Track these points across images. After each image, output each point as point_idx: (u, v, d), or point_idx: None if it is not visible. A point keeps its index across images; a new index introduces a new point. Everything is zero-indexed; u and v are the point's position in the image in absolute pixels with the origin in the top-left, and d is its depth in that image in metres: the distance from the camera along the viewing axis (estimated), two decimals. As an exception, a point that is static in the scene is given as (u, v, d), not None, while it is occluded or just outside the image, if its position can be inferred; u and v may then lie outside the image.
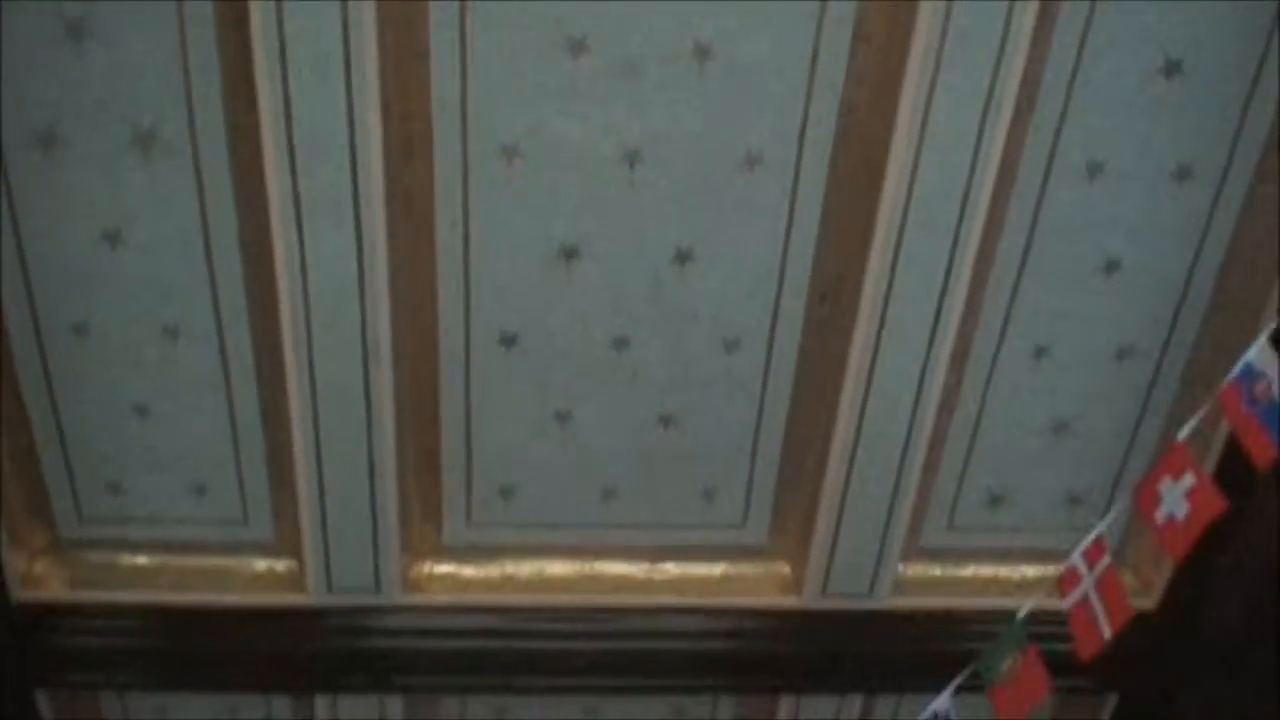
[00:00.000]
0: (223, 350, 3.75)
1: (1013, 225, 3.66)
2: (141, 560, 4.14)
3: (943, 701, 3.00)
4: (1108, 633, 2.69)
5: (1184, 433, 2.69)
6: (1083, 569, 2.75)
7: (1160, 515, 2.57)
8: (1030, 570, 4.26)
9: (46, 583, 4.11)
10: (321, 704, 4.36)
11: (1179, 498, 2.55)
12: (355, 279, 3.52)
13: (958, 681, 3.00)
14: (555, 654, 4.21)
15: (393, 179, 3.41)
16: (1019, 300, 3.83)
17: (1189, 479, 2.55)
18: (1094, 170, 3.57)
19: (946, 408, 4.00)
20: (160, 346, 3.72)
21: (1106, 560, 2.69)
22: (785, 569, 4.27)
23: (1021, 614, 2.84)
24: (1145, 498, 2.59)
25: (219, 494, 4.03)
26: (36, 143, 3.35)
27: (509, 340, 3.75)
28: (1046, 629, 4.17)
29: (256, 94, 3.21)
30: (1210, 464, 3.86)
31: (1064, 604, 2.78)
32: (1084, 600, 2.74)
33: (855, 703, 4.47)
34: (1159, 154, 3.57)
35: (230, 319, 3.69)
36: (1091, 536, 2.76)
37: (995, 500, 4.22)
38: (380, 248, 3.47)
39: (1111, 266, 3.74)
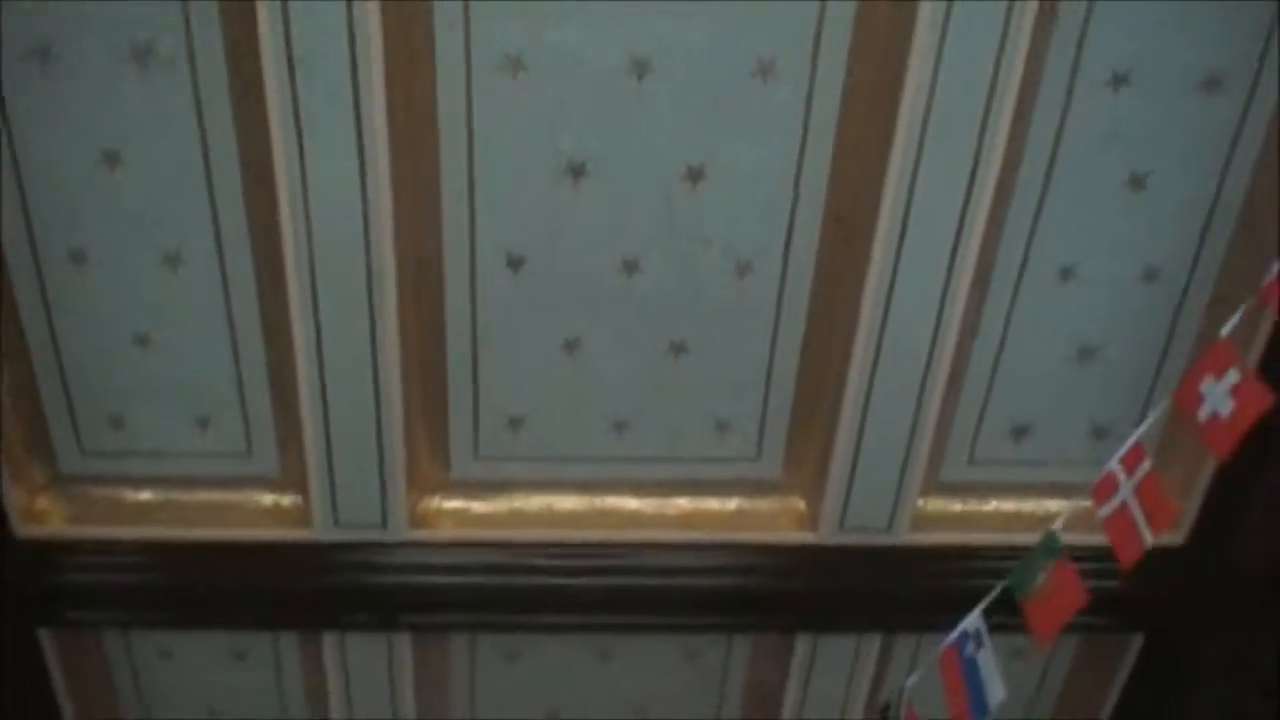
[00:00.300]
0: (224, 276, 3.66)
1: (1036, 140, 3.54)
2: (144, 495, 4.06)
3: (973, 620, 2.89)
4: (1149, 538, 2.58)
5: (1227, 329, 2.57)
6: (1120, 475, 2.64)
7: (1204, 413, 2.45)
8: (1054, 505, 4.12)
9: (48, 519, 4.03)
10: (329, 642, 4.27)
11: (1223, 395, 2.43)
12: (358, 200, 3.43)
13: (988, 601, 2.89)
14: (564, 590, 4.11)
15: (394, 95, 3.31)
16: (1043, 219, 3.70)
17: (1233, 375, 2.42)
18: (1119, 81, 3.45)
19: (967, 334, 3.88)
20: (160, 273, 3.64)
21: (1147, 464, 2.58)
22: (800, 504, 4.17)
23: (1057, 524, 2.73)
24: (1187, 397, 2.47)
25: (222, 427, 3.95)
26: (33, 57, 3.27)
27: (516, 263, 3.66)
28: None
29: (255, 5, 3.13)
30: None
31: (1100, 512, 2.66)
32: (1122, 507, 2.62)
33: (874, 642, 4.36)
34: (1187, 64, 3.44)
35: (231, 244, 3.60)
36: (1130, 441, 2.65)
37: (1018, 432, 4.10)
38: (383, 166, 3.38)
39: (1137, 183, 3.61)
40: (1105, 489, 2.63)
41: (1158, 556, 4.22)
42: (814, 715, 4.50)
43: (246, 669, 4.46)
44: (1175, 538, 4.21)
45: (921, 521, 4.17)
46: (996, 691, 2.79)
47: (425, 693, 4.49)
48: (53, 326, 3.76)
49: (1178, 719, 4.35)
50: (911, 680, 3.08)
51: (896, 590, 4.17)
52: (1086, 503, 2.70)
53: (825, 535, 4.12)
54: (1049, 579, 2.69)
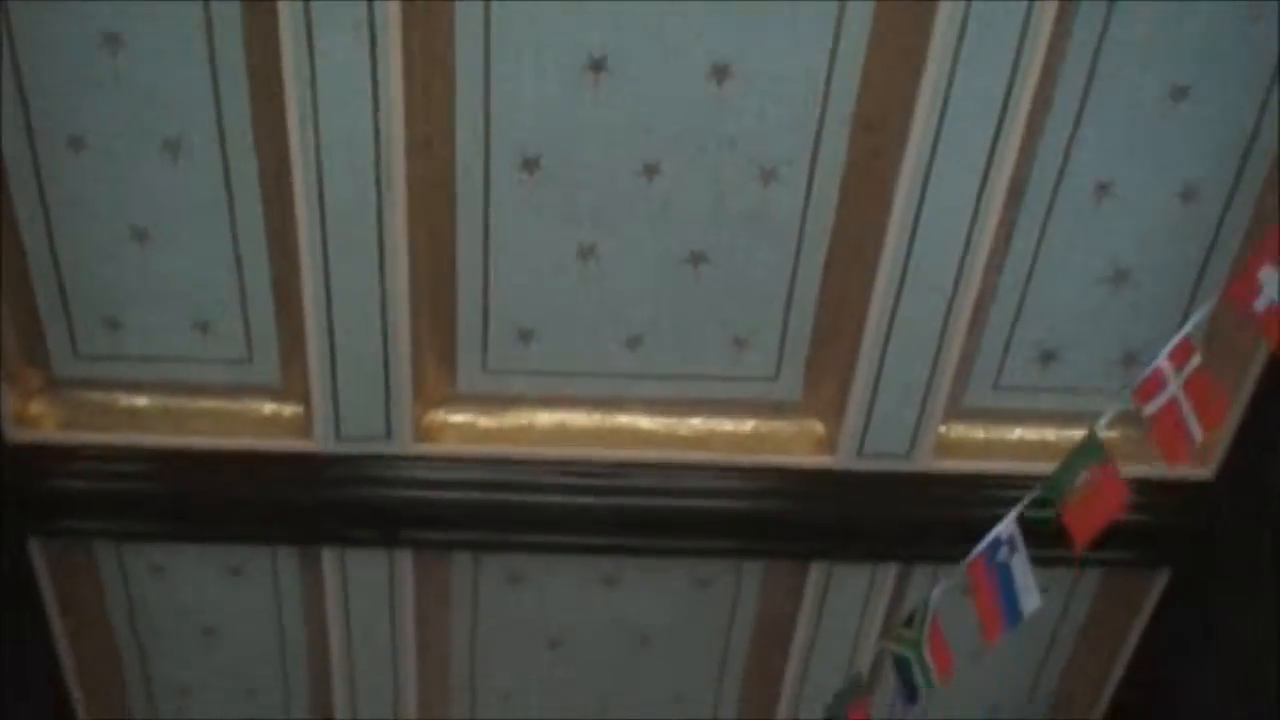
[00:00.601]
0: (226, 169, 3.51)
1: (1076, 46, 3.38)
2: (141, 401, 3.93)
3: (1006, 526, 2.76)
4: (1199, 434, 2.44)
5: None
6: (1168, 371, 2.50)
7: (1260, 303, 2.31)
8: (1080, 435, 3.99)
9: (41, 424, 3.90)
10: (328, 558, 4.14)
11: (1284, 281, 2.28)
12: (368, 90, 3.28)
13: (1022, 506, 2.76)
14: (571, 510, 3.99)
15: (408, -16, 3.17)
16: (1081, 132, 3.55)
17: (1295, 260, 2.28)
18: (1158, -8, 3.31)
19: (998, 253, 3.74)
20: (160, 163, 3.49)
21: (1196, 359, 2.44)
22: (819, 427, 4.04)
23: (1101, 422, 2.60)
24: (1241, 288, 2.33)
25: (223, 331, 3.81)
26: (28, -64, 3.14)
27: (531, 164, 3.51)
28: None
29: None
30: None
31: (1146, 409, 2.53)
32: (1170, 403, 2.49)
33: (890, 572, 4.23)
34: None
35: (234, 133, 3.45)
36: (1179, 337, 2.51)
37: (1046, 357, 3.96)
38: (395, 58, 3.23)
39: (1179, 93, 3.46)
40: (1152, 385, 2.49)
41: (1186, 491, 4.16)
42: (826, 648, 4.38)
43: (242, 587, 4.33)
44: (1204, 472, 4.09)
45: (943, 448, 4.05)
46: (1031, 599, 2.67)
47: (426, 614, 4.37)
48: (49, 220, 3.61)
49: (1201, 657, 4.24)
50: (937, 590, 2.96)
51: (915, 518, 4.04)
52: (1128, 404, 2.57)
53: (843, 460, 3.99)
54: (1089, 481, 2.56)
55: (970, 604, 2.95)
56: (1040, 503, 2.67)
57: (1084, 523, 2.54)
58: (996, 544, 2.75)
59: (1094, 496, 2.53)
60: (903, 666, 2.94)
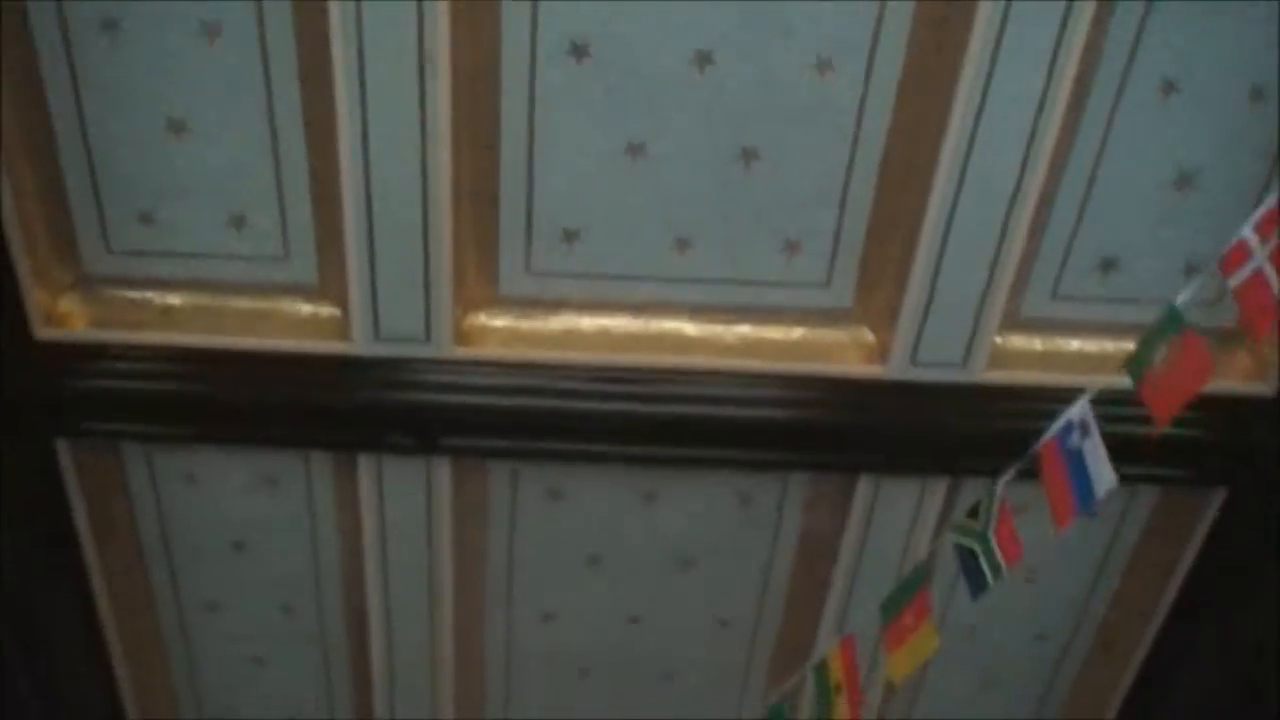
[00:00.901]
0: (264, 52, 3.39)
1: (1147, -64, 3.27)
2: (174, 300, 3.82)
3: (1079, 409, 2.65)
4: (1288, 307, 2.34)
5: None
6: (1253, 241, 2.39)
7: None
8: (1140, 347, 3.88)
9: (71, 321, 3.80)
10: (364, 465, 4.05)
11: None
12: (412, -23, 3.18)
13: (1096, 389, 2.64)
14: (614, 417, 3.87)
15: None
16: (1148, 28, 3.41)
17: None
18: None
19: (1060, 154, 3.60)
20: (197, 46, 3.37)
21: (1285, 229, 2.34)
22: (870, 336, 3.91)
23: (1180, 297, 2.48)
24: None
25: (259, 226, 3.70)
26: None
27: (579, 50, 3.37)
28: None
29: None
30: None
31: (1231, 280, 2.42)
32: (1255, 274, 2.38)
33: (940, 486, 4.11)
34: None
35: (272, 14, 3.32)
36: (1263, 208, 2.40)
37: (1107, 265, 3.83)
38: (440, -67, 3.12)
39: (1253, -13, 3.33)
40: (1237, 256, 2.38)
41: (1245, 407, 4.04)
42: (871, 565, 4.26)
43: (275, 496, 4.23)
44: (1265, 388, 3.96)
45: (998, 359, 3.92)
46: (1105, 478, 2.57)
47: (463, 529, 4.27)
48: (81, 108, 3.50)
49: (1258, 579, 4.12)
50: (1005, 478, 2.84)
51: (968, 431, 3.91)
52: (1212, 275, 2.45)
53: (895, 370, 3.87)
54: (1171, 353, 2.44)
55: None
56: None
57: (1166, 397, 2.43)
58: (1068, 428, 2.63)
59: (1176, 368, 2.42)
60: (968, 559, 2.83)
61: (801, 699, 3.36)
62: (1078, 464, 2.61)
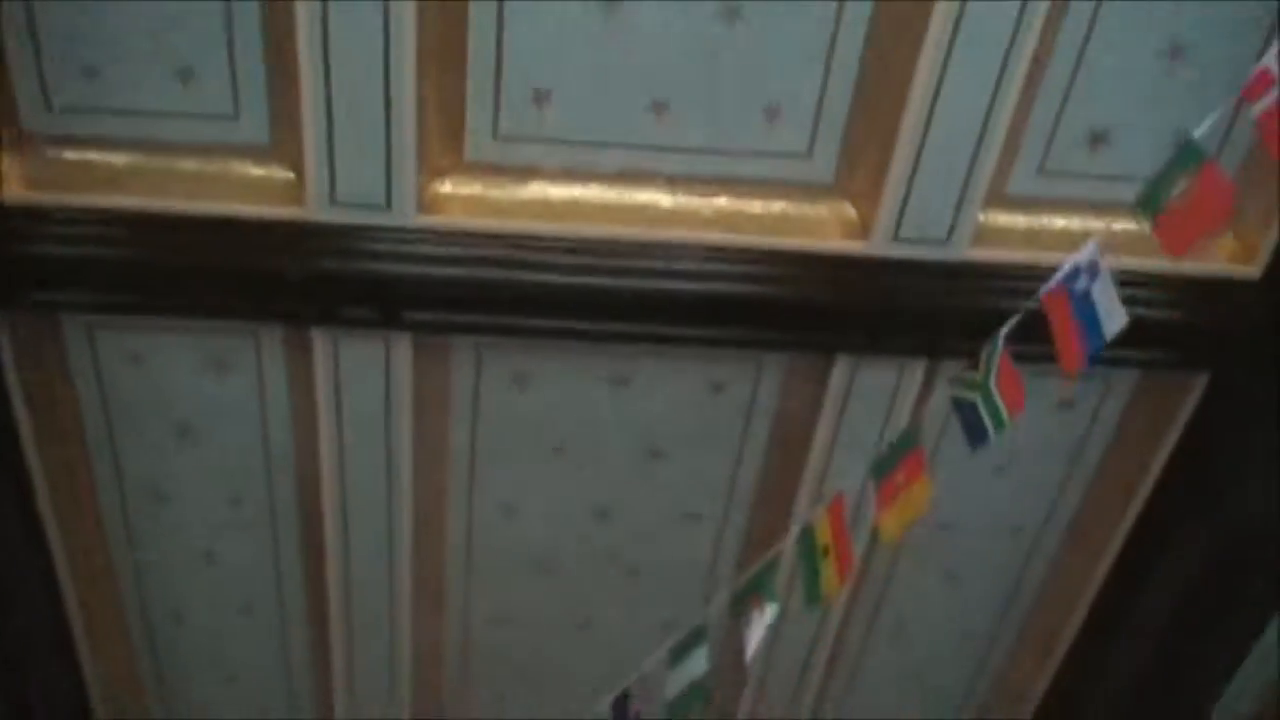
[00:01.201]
0: (215, -117, 3.19)
1: None
2: (118, 160, 3.58)
3: (1089, 252, 2.52)
4: (1309, 135, 2.23)
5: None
6: (1275, 69, 2.28)
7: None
8: (1128, 226, 3.77)
9: (8, 182, 3.55)
10: (320, 341, 3.85)
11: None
12: None
13: (1102, 234, 2.52)
14: (585, 291, 3.69)
15: None
16: (1144, -114, 3.30)
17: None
18: None
19: (1053, 23, 3.45)
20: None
21: (1307, 57, 2.23)
22: (852, 210, 3.76)
23: (1199, 130, 2.35)
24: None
25: (208, 81, 3.47)
26: None
27: (555, -111, 3.20)
28: (1139, 291, 3.80)
29: None
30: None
31: (1254, 109, 2.30)
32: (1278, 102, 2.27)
33: (919, 368, 3.98)
34: None
35: None
36: (1281, 44, 2.29)
37: (1096, 139, 3.70)
38: None
39: None
40: (1259, 85, 2.26)
41: (1230, 290, 3.94)
42: (846, 452, 4.14)
43: (224, 378, 4.02)
44: (1251, 270, 3.86)
45: (983, 236, 3.79)
46: (1117, 316, 2.45)
47: (423, 414, 4.10)
48: (16, -52, 3.28)
49: (1238, 467, 4.04)
50: (1008, 326, 2.71)
51: (950, 310, 3.78)
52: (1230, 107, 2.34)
53: (877, 245, 3.73)
54: (1190, 186, 2.32)
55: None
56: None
57: (1183, 233, 2.31)
58: (1075, 272, 2.51)
59: (1195, 202, 2.30)
60: (967, 410, 2.71)
61: (778, 575, 3.23)
62: (1085, 307, 2.49)
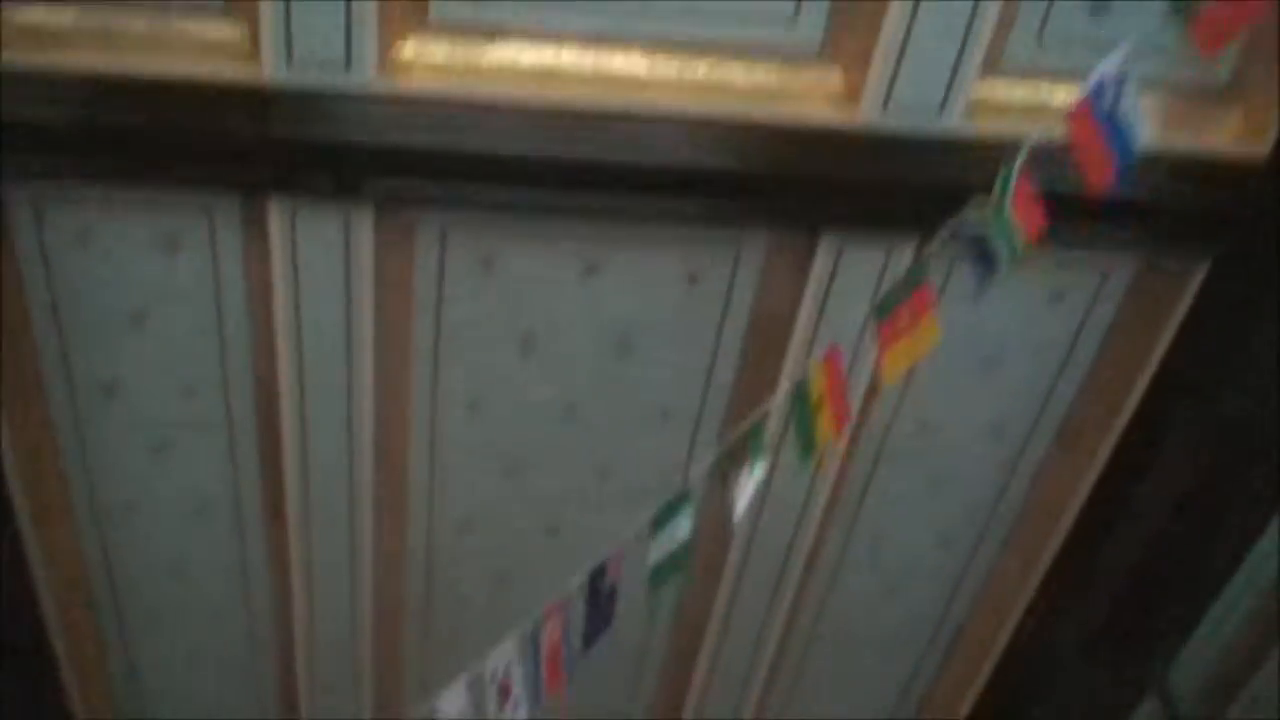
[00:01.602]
0: None
1: None
2: (63, 19, 3.33)
3: (1113, 65, 2.33)
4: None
5: None
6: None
7: None
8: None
9: (-58, 38, 3.35)
10: (276, 213, 3.63)
11: None
12: None
13: (1129, 46, 2.34)
14: (557, 163, 3.50)
15: None
16: None
17: None
18: None
19: None
20: None
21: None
22: (839, 79, 3.57)
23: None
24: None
25: (155, -73, 3.27)
26: None
27: None
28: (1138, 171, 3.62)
29: None
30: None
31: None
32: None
33: (908, 249, 3.78)
34: None
35: None
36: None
37: (1098, 7, 3.52)
38: None
39: None
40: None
41: (1234, 171, 3.77)
42: (829, 341, 3.96)
43: (176, 256, 3.79)
44: (1257, 148, 3.69)
45: (977, 109, 3.61)
46: (1144, 129, 2.29)
47: (385, 303, 3.90)
48: None
49: (1240, 356, 3.88)
50: (1033, 138, 2.51)
51: (941, 185, 3.49)
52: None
53: (866, 116, 3.53)
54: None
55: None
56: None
57: (1221, 25, 2.14)
58: (1100, 88, 2.32)
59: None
60: (977, 245, 2.52)
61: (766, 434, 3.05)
62: (1112, 121, 2.32)
